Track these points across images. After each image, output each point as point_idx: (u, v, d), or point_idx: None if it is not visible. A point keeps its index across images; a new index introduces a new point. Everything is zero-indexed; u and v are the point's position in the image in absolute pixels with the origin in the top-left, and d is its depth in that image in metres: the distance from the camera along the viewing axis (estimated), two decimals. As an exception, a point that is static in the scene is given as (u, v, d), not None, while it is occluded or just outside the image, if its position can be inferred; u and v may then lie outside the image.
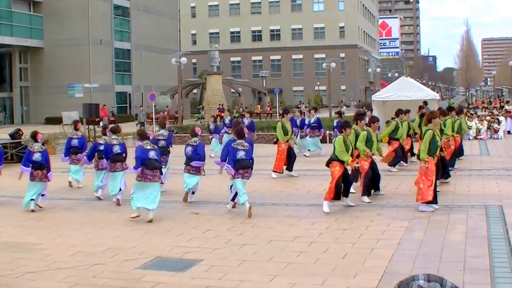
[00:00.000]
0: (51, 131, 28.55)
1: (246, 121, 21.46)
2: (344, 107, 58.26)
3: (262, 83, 69.13)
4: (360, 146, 12.65)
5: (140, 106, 47.93)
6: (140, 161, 11.38)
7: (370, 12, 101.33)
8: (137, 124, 42.06)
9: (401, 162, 17.63)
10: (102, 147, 13.93)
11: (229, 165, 11.65)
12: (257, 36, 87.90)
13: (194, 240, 9.70)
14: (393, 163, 16.79)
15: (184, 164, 13.08)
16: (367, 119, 13.63)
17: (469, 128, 27.73)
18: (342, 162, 11.62)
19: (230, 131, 16.82)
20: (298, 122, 22.63)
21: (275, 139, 17.49)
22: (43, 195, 13.11)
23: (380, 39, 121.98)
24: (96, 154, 14.30)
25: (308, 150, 21.98)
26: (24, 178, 13.09)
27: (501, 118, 29.04)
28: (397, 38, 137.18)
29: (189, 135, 14.00)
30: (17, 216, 12.28)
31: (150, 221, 11.12)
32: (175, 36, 69.02)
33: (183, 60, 41.86)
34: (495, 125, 28.11)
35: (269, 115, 52.64)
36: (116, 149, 13.40)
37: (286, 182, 15.48)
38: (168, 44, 62.82)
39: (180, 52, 50.91)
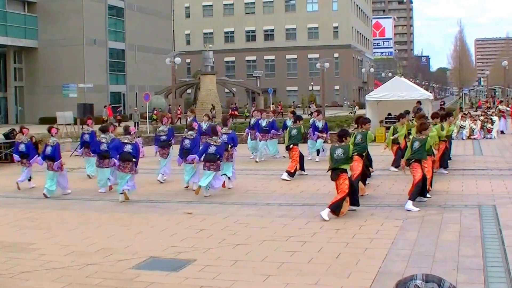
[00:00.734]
0: (45, 131, 28.36)
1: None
2: (357, 107, 57.90)
3: (256, 83, 69.10)
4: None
5: (135, 107, 47.88)
6: (115, 153, 13.55)
7: (363, 12, 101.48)
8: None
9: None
10: (104, 146, 14.92)
11: (197, 156, 13.55)
12: (251, 36, 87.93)
13: (188, 240, 9.70)
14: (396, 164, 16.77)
15: (179, 156, 14.36)
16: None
17: (463, 127, 27.85)
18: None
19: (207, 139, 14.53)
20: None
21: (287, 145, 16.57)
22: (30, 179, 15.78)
23: (374, 39, 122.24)
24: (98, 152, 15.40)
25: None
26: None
27: (495, 118, 29.11)
28: (391, 38, 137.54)
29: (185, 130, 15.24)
30: (11, 216, 12.27)
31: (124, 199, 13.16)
32: (169, 36, 69.03)
33: (177, 60, 41.78)
34: (489, 125, 28.19)
35: (280, 114, 52.22)
36: (103, 147, 14.75)
37: (280, 182, 15.48)
38: (162, 44, 62.77)
39: (174, 52, 50.72)
